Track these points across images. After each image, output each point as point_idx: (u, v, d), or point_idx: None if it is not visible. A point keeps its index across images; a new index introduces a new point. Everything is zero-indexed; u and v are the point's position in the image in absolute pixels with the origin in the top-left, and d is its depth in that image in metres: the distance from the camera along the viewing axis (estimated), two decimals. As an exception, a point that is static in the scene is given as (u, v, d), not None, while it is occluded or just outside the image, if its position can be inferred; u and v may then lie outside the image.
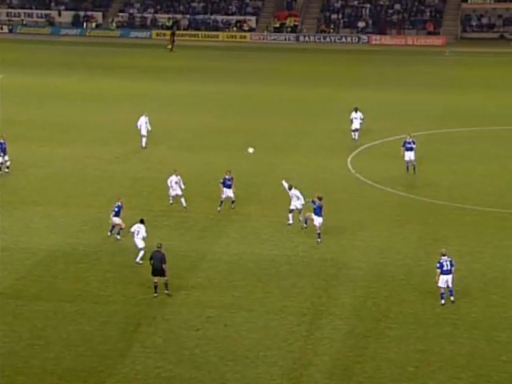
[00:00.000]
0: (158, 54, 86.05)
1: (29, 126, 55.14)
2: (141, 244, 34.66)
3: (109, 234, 37.02)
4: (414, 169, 46.03)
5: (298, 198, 38.18)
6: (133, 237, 34.95)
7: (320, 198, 37.05)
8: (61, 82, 70.14)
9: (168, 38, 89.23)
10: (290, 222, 38.31)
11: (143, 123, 50.52)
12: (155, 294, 31.59)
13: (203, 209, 40.64)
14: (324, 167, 47.73)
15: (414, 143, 45.97)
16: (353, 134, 51.96)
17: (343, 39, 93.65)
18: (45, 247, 36.18)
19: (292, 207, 38.13)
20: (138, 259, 34.47)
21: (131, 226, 35.23)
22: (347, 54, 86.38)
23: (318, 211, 36.77)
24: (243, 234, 37.88)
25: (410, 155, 45.86)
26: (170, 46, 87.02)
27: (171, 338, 28.92)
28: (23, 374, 26.85)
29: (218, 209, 40.19)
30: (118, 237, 36.80)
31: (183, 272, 33.46)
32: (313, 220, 36.95)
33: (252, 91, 67.83)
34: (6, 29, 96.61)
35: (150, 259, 31.88)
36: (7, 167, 45.02)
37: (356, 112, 51.94)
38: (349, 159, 49.17)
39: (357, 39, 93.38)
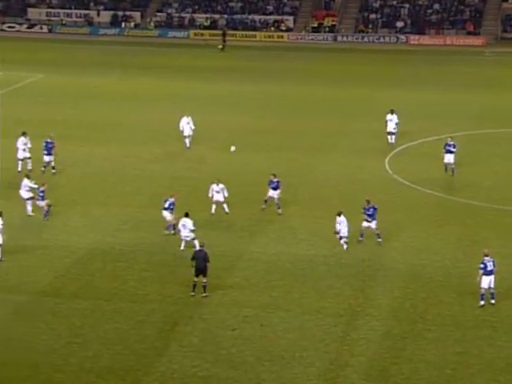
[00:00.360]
0: (196, 53, 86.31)
1: (66, 125, 55.58)
2: (190, 236, 35.26)
3: (170, 231, 37.31)
4: (453, 171, 45.75)
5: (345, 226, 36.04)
6: (179, 231, 35.41)
7: (368, 201, 36.93)
8: (98, 81, 70.64)
9: (207, 37, 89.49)
10: (345, 247, 36.26)
11: (185, 124, 50.71)
12: (192, 293, 31.73)
13: (241, 209, 40.71)
14: (362, 168, 47.62)
15: (454, 146, 45.64)
16: (389, 137, 51.41)
17: (381, 39, 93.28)
18: (83, 246, 36.51)
19: (342, 234, 36.11)
20: (186, 246, 35.22)
21: (177, 222, 35.65)
22: (385, 54, 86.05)
23: (371, 215, 36.51)
24: (281, 234, 37.92)
25: (449, 158, 45.57)
26: (221, 46, 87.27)
27: (208, 337, 29.04)
28: (61, 371, 27.11)
29: (262, 207, 40.12)
30: (166, 232, 37.11)
31: (221, 271, 33.56)
32: (368, 227, 36.72)
33: (289, 91, 67.83)
34: (45, 29, 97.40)
35: (192, 259, 32.01)
36: (53, 167, 45.18)
37: (392, 114, 51.43)
38: (386, 160, 49.00)
39: (395, 39, 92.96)
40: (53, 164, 45.35)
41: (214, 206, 40.13)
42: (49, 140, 45.50)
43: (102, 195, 42.89)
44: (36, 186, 39.94)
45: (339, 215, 35.99)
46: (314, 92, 67.29)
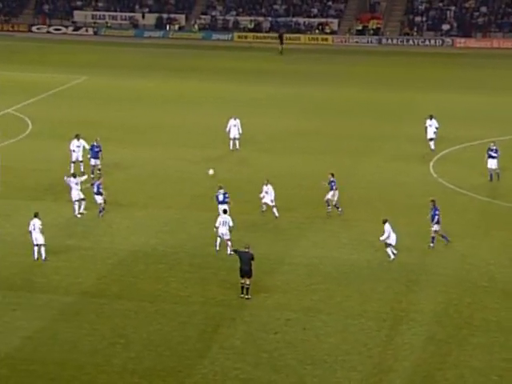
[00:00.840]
0: (240, 56, 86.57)
1: (109, 127, 56.05)
2: (227, 235, 35.59)
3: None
4: (498, 176, 45.33)
5: (389, 234, 35.46)
6: (217, 228, 35.72)
7: (433, 201, 36.83)
8: (142, 84, 71.13)
9: (251, 40, 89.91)
10: (392, 257, 35.64)
11: (232, 126, 50.86)
12: (241, 295, 31.85)
13: (282, 212, 40.72)
14: (406, 172, 47.40)
15: (496, 151, 45.17)
16: (430, 143, 50.50)
17: (427, 42, 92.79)
18: (126, 247, 36.81)
19: (389, 242, 35.54)
20: (228, 251, 35.54)
21: (215, 221, 35.90)
22: (430, 57, 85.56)
23: (434, 216, 36.49)
24: (323, 238, 37.89)
25: (492, 163, 45.09)
26: (280, 49, 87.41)
27: (250, 340, 29.11)
28: (105, 372, 27.35)
29: (328, 209, 40.25)
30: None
31: (262, 274, 33.62)
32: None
33: (332, 94, 67.73)
34: (91, 31, 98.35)
35: (235, 251, 32.22)
36: (99, 170, 45.26)
37: (431, 119, 50.71)
38: (431, 164, 48.72)
39: (441, 42, 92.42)
40: (99, 167, 45.55)
41: (264, 206, 40.34)
42: (95, 144, 45.80)
43: (145, 197, 43.19)
44: (84, 178, 40.80)
45: (385, 223, 35.44)
46: (358, 95, 67.13)
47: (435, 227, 36.49)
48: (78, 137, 46.18)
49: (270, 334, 29.48)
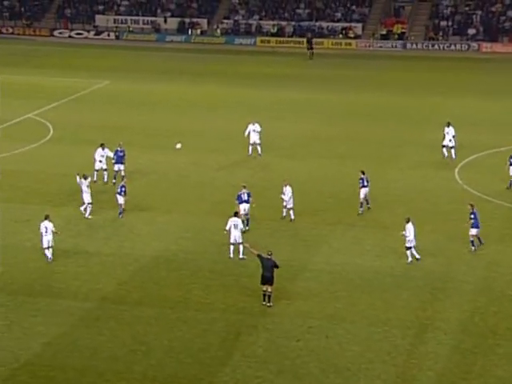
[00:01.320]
0: (262, 61, 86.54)
1: (131, 132, 56.18)
2: (239, 238, 35.72)
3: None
4: None
5: (409, 235, 35.65)
6: (229, 232, 35.75)
7: (471, 205, 36.96)
8: (164, 88, 71.25)
9: (273, 44, 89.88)
10: (409, 260, 35.80)
11: (251, 131, 50.78)
12: (264, 303, 31.76)
13: (306, 217, 40.63)
14: (431, 178, 47.14)
15: None
16: (444, 149, 49.95)
17: (452, 47, 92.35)
18: (147, 253, 36.81)
19: (408, 245, 35.62)
20: (240, 255, 35.85)
21: (226, 223, 35.98)
22: (456, 62, 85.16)
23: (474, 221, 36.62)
24: (345, 244, 37.74)
25: None
26: (309, 54, 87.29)
27: (272, 347, 29.00)
28: (125, 379, 27.33)
29: (360, 211, 40.51)
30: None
31: (284, 281, 33.51)
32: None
33: (356, 99, 67.55)
34: (112, 35, 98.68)
35: (259, 256, 32.18)
36: (122, 177, 44.90)
37: (448, 126, 50.06)
38: (456, 170, 48.44)
39: (466, 47, 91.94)
40: (123, 173, 45.47)
41: (284, 211, 40.51)
42: (119, 148, 45.77)
43: (166, 202, 43.21)
44: (89, 180, 41.11)
45: (408, 222, 35.67)
46: (381, 100, 66.91)
47: (473, 231, 36.42)
48: (103, 146, 45.95)
49: (293, 342, 29.37)
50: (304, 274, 34.78)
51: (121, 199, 40.55)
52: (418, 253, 35.69)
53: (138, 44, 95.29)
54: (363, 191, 40.94)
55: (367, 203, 41.08)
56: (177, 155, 51.34)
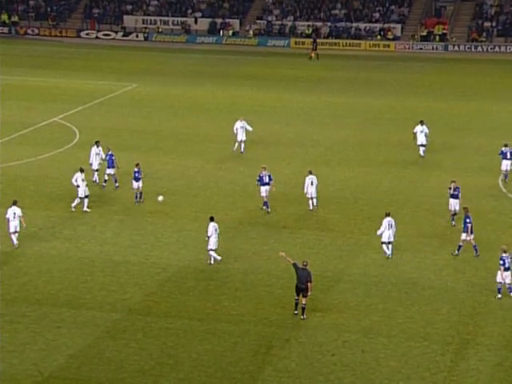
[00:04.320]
0: (296, 63, 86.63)
1: (159, 137, 56.44)
2: (214, 243, 36.59)
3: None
4: None
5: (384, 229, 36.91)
6: (209, 239, 36.32)
7: (465, 208, 37.52)
8: (194, 91, 71.52)
9: (308, 46, 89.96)
10: (387, 254, 37.10)
11: (238, 128, 51.85)
12: (296, 312, 31.79)
13: (340, 227, 40.58)
14: (472, 185, 46.86)
15: None
16: (420, 148, 51.43)
17: (496, 48, 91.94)
18: (175, 263, 36.94)
19: (383, 239, 37.04)
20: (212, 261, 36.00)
21: (207, 230, 36.57)
22: (500, 65, 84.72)
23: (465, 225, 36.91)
24: (382, 255, 37.60)
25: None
26: (316, 55, 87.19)
27: (305, 362, 28.97)
28: (151, 393, 27.44)
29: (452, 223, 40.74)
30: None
31: (318, 293, 33.47)
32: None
33: (394, 103, 67.40)
34: (141, 36, 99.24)
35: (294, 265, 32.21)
36: (116, 180, 45.83)
37: (421, 125, 51.40)
38: (500, 177, 48.16)
39: (511, 49, 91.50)
40: (116, 177, 46.01)
41: (310, 202, 42.04)
42: (110, 153, 46.18)
43: (195, 209, 43.32)
44: (82, 174, 42.36)
45: (386, 216, 36.97)
46: (421, 104, 66.69)
47: (463, 236, 36.72)
48: (97, 143, 46.95)
49: (327, 356, 29.31)
50: (339, 286, 34.72)
51: (136, 185, 43.08)
52: (392, 252, 36.75)
53: (167, 46, 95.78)
54: (454, 202, 40.66)
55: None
56: (206, 161, 51.53)
